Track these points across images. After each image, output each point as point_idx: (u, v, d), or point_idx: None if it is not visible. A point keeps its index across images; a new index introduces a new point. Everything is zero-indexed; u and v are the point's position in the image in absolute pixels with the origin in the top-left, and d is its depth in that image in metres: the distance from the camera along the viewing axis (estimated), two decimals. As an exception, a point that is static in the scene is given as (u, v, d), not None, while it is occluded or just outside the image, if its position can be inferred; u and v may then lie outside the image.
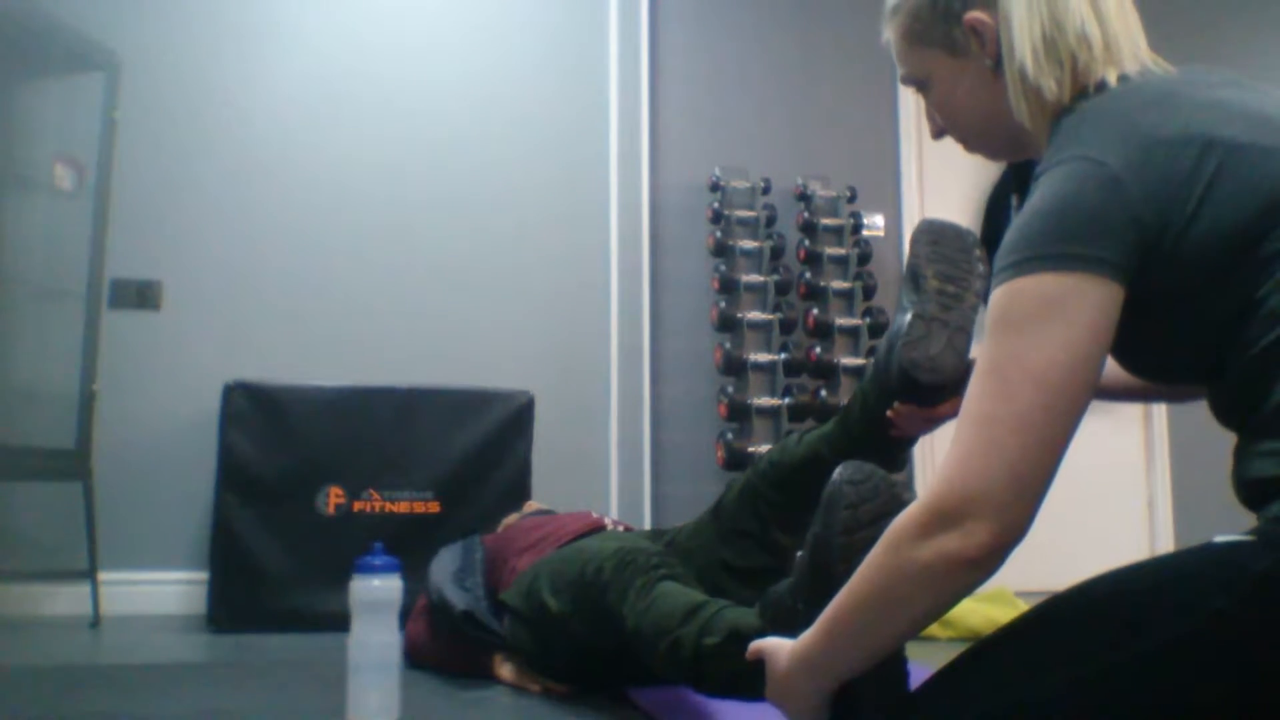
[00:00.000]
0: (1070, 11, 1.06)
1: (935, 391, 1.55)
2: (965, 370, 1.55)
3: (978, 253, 1.62)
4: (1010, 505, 0.91)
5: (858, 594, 1.00)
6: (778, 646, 1.13)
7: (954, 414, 1.57)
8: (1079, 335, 0.93)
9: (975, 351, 1.57)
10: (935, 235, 1.61)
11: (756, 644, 1.18)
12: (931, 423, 1.62)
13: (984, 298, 1.59)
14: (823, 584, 1.19)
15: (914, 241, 1.62)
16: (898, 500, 1.22)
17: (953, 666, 1.01)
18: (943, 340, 1.54)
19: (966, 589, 0.95)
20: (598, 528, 2.17)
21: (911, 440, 1.74)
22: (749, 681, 1.22)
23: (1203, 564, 0.89)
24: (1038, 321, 0.93)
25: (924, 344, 1.53)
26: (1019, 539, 0.92)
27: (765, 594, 1.34)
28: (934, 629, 2.81)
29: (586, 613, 1.74)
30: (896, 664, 1.12)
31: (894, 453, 1.75)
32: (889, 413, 1.64)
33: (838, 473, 1.23)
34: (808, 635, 1.07)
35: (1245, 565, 0.85)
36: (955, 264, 1.60)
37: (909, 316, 1.55)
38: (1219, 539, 0.90)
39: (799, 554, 1.27)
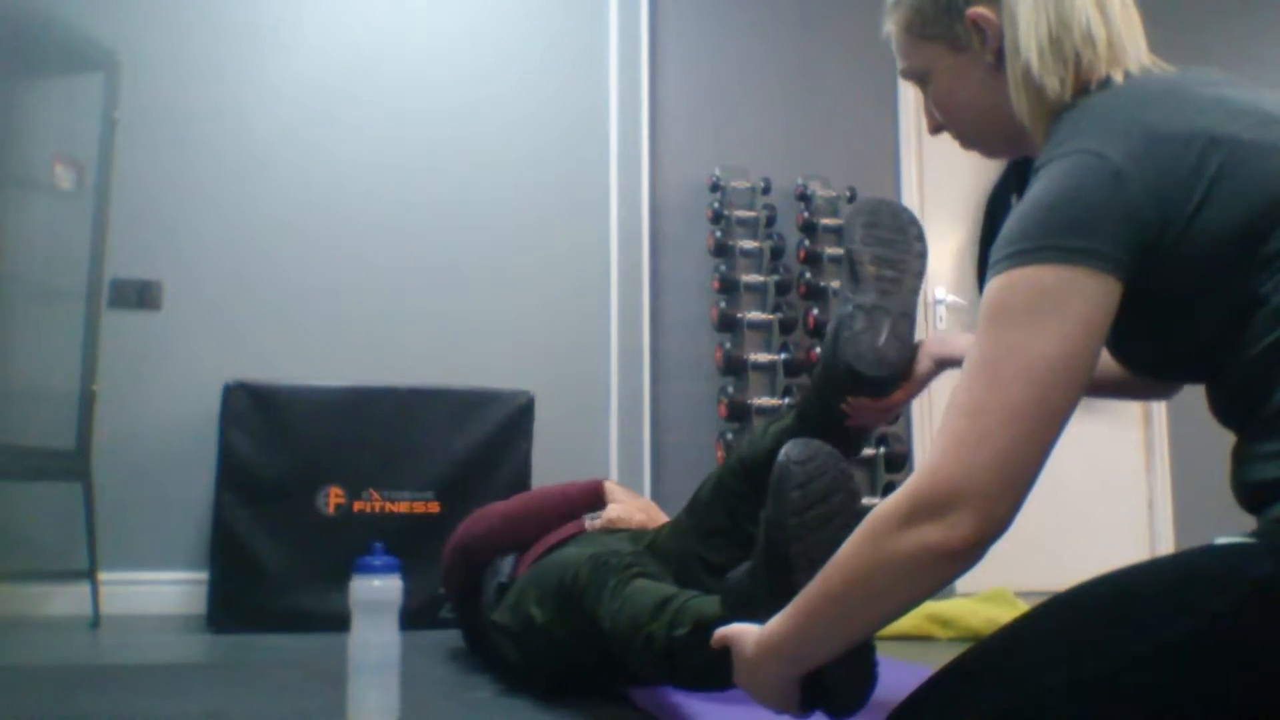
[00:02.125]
0: (1076, 10, 1.05)
1: (884, 384, 1.54)
2: (911, 355, 1.55)
3: (914, 230, 1.60)
4: (996, 498, 0.90)
5: (834, 582, 0.99)
6: (743, 633, 1.12)
7: (908, 399, 1.58)
8: (1074, 329, 0.92)
9: (920, 334, 1.57)
10: (870, 216, 1.59)
11: (721, 631, 1.17)
12: (886, 412, 1.62)
13: (923, 276, 1.59)
14: (779, 566, 1.19)
15: (849, 224, 1.59)
16: (845, 474, 1.23)
17: (953, 667, 1.01)
18: (885, 330, 1.52)
19: (946, 580, 0.94)
20: (578, 530, 2.17)
21: (871, 429, 1.73)
22: (718, 670, 1.22)
23: (1203, 566, 0.89)
24: (1032, 314, 0.92)
25: (867, 336, 1.51)
26: (1002, 532, 0.91)
27: (725, 580, 1.34)
28: (934, 629, 2.81)
29: (568, 619, 1.75)
30: (866, 649, 1.12)
31: (854, 442, 1.74)
32: (843, 406, 1.62)
33: (784, 452, 1.22)
34: (777, 622, 1.06)
35: (1246, 567, 0.85)
36: (891, 245, 1.57)
37: (849, 309, 1.53)
38: (1220, 541, 0.90)
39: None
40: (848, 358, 1.51)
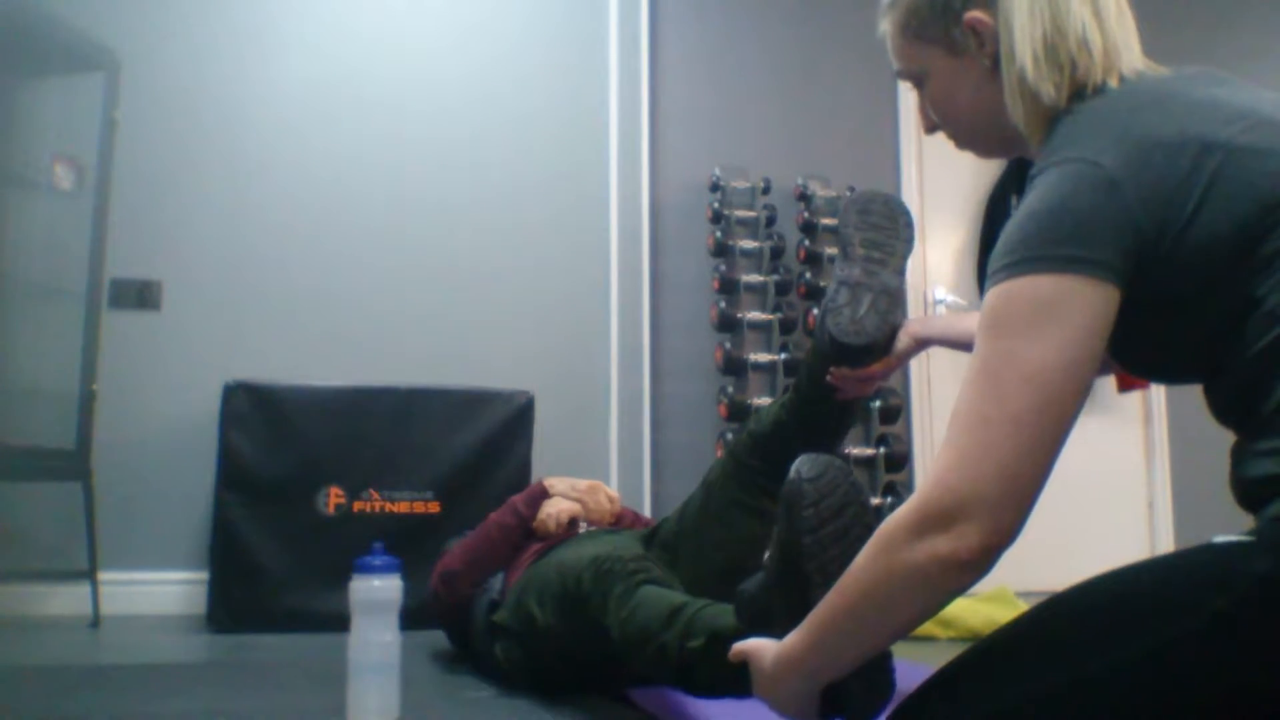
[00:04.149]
0: (1072, 16, 1.05)
1: (862, 353, 1.63)
2: (890, 330, 1.64)
3: (904, 219, 1.71)
4: (1003, 507, 0.91)
5: (848, 597, 1.00)
6: (762, 648, 1.14)
7: (886, 372, 1.69)
8: (1074, 337, 0.92)
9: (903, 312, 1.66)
10: (863, 205, 1.70)
11: (739, 646, 1.19)
12: (867, 383, 1.71)
13: (907, 258, 1.70)
14: (795, 582, 1.20)
15: (844, 212, 1.71)
16: (856, 487, 1.25)
17: (953, 667, 1.01)
18: (866, 303, 1.62)
19: (957, 591, 0.95)
20: (571, 535, 2.18)
21: (859, 400, 1.83)
22: (735, 682, 1.24)
23: (1202, 564, 0.89)
24: (1032, 323, 0.93)
25: (848, 309, 1.62)
26: (1010, 541, 0.92)
27: (740, 593, 1.36)
28: (934, 629, 2.82)
29: (573, 625, 1.75)
30: (883, 658, 1.14)
31: (845, 414, 1.85)
32: (828, 377, 1.71)
33: (794, 470, 1.24)
34: (795, 638, 1.07)
35: (1245, 566, 0.85)
36: (880, 229, 1.68)
37: (836, 284, 1.65)
38: (1219, 539, 0.90)
39: (768, 553, 1.28)
40: (829, 327, 1.62)
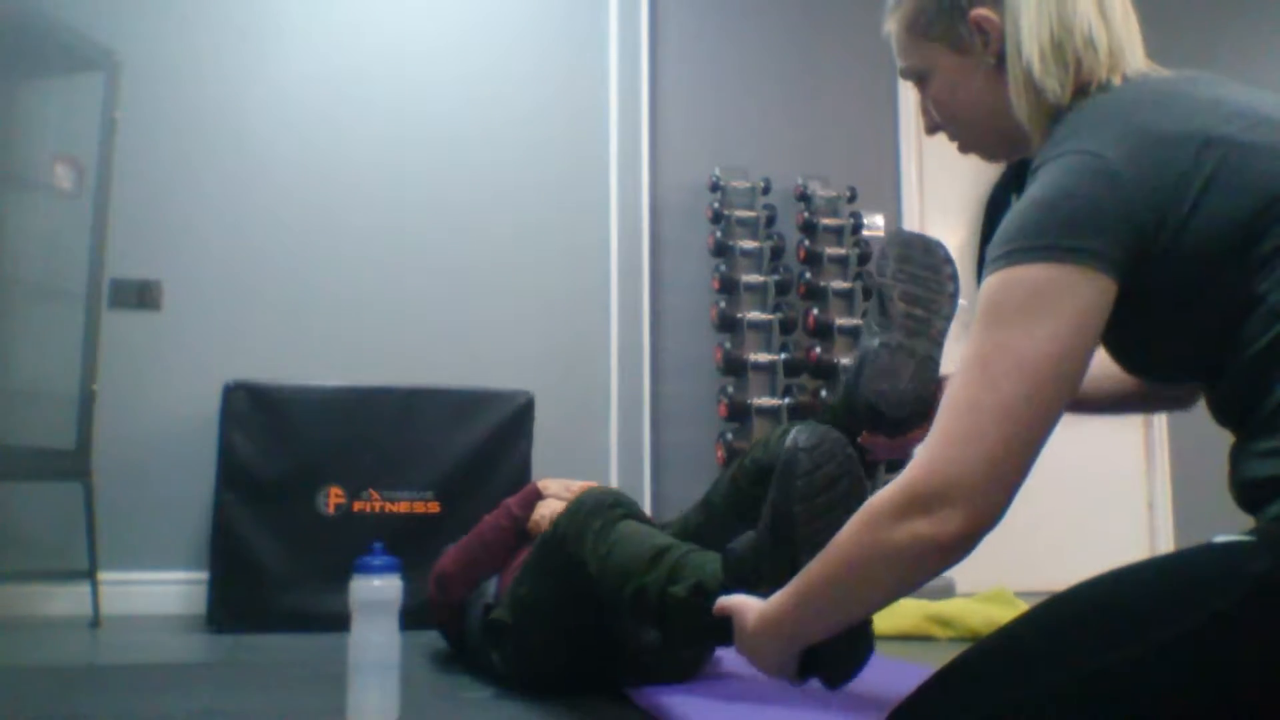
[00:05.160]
0: (1079, 15, 1.06)
1: (903, 424, 1.54)
2: (932, 398, 1.53)
3: (948, 269, 1.58)
4: (985, 493, 0.92)
5: (830, 568, 1.03)
6: (745, 606, 1.16)
7: (924, 438, 1.56)
8: (1068, 328, 0.93)
9: (945, 369, 1.57)
10: (904, 250, 1.56)
11: (723, 601, 1.21)
12: (902, 448, 1.62)
13: (952, 318, 1.56)
14: (784, 548, 1.22)
15: (881, 256, 1.57)
16: (851, 459, 1.26)
17: (953, 667, 1.01)
18: (909, 372, 1.52)
19: (937, 571, 0.97)
20: None
21: (884, 462, 1.75)
22: (714, 632, 1.26)
23: (1202, 565, 0.89)
24: (1027, 312, 0.93)
25: (890, 376, 1.51)
26: (991, 527, 0.94)
27: (728, 551, 1.37)
28: (934, 629, 2.81)
29: (555, 579, 1.73)
30: (863, 624, 1.17)
31: (870, 472, 1.76)
32: (860, 439, 1.62)
33: (791, 438, 1.25)
34: (778, 600, 1.10)
35: (1245, 565, 0.85)
36: (923, 283, 1.56)
37: (875, 343, 1.52)
38: (1219, 539, 0.90)
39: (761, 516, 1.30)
40: (869, 396, 1.52)
